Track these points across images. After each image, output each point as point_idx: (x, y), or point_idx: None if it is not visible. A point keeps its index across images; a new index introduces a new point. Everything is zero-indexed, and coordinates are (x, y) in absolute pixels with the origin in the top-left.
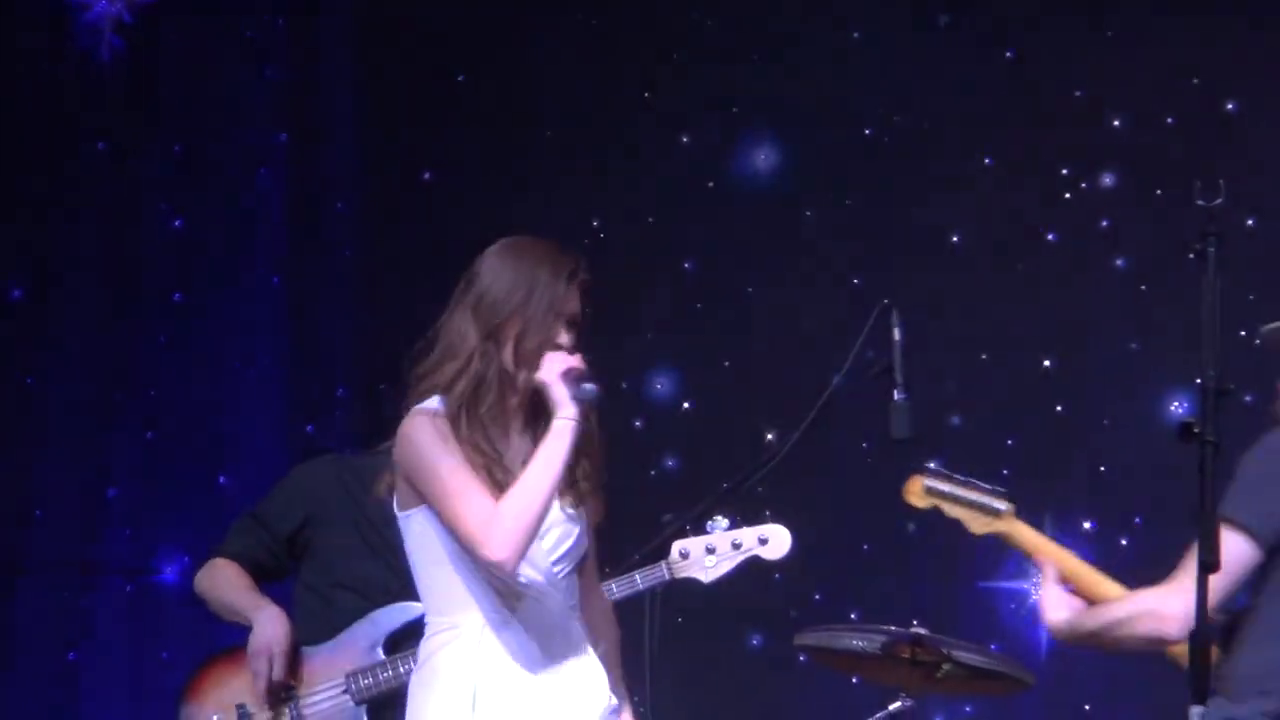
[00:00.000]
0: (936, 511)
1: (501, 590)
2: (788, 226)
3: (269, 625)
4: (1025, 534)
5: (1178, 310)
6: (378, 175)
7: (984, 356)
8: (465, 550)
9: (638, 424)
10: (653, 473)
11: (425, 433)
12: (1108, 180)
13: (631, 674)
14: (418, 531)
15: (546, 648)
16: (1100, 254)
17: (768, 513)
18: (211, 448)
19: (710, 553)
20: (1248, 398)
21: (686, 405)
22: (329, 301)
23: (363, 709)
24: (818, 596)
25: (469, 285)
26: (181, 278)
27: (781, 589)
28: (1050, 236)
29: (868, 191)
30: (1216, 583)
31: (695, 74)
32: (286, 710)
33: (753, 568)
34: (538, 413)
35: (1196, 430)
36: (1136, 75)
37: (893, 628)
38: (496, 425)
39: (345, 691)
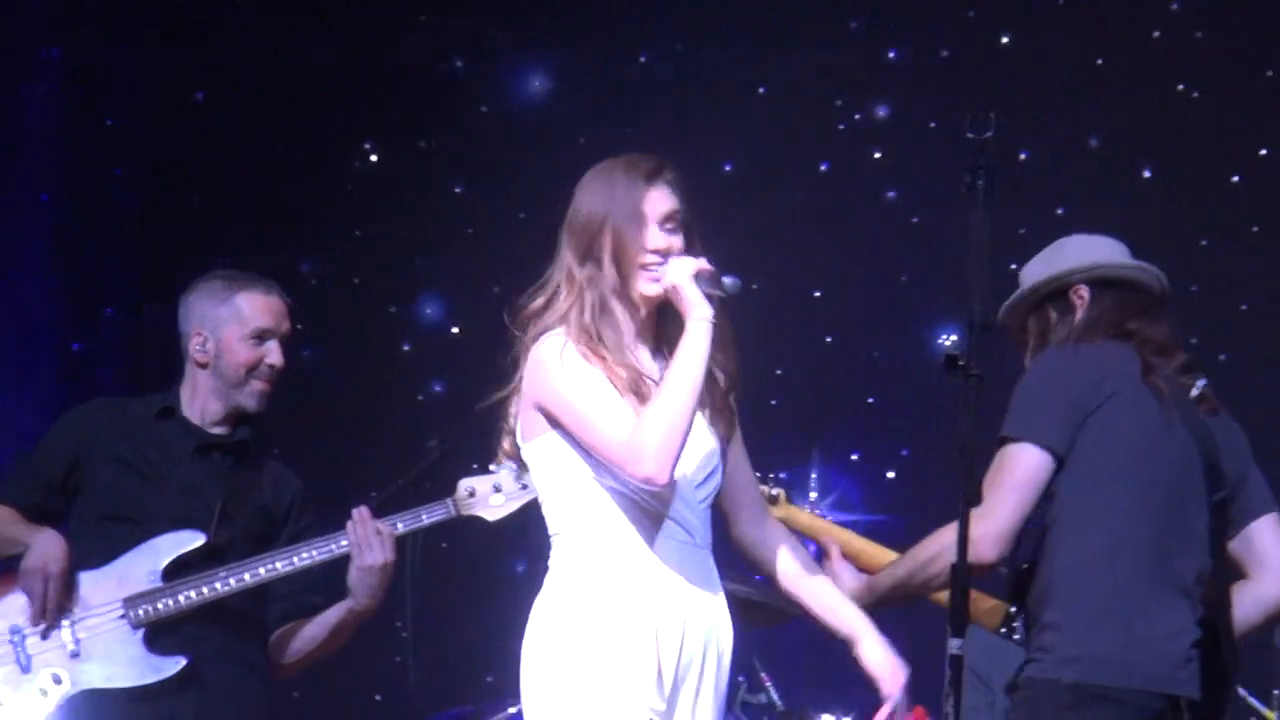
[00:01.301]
0: None
1: (638, 514)
2: (561, 153)
3: (44, 544)
4: (800, 517)
5: (948, 243)
6: (151, 94)
7: (754, 286)
8: (610, 471)
9: (406, 348)
10: (420, 397)
11: (555, 358)
12: (881, 112)
13: (393, 601)
14: (547, 456)
15: (677, 579)
16: (873, 185)
17: None
18: None
19: (497, 491)
20: None
21: (454, 330)
22: (100, 221)
23: (140, 633)
24: None
25: (567, 222)
26: None
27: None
28: (823, 166)
29: (642, 118)
30: (1013, 500)
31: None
32: (61, 632)
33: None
34: (667, 329)
35: (961, 363)
36: (912, 8)
37: None
38: (629, 346)
39: (122, 616)
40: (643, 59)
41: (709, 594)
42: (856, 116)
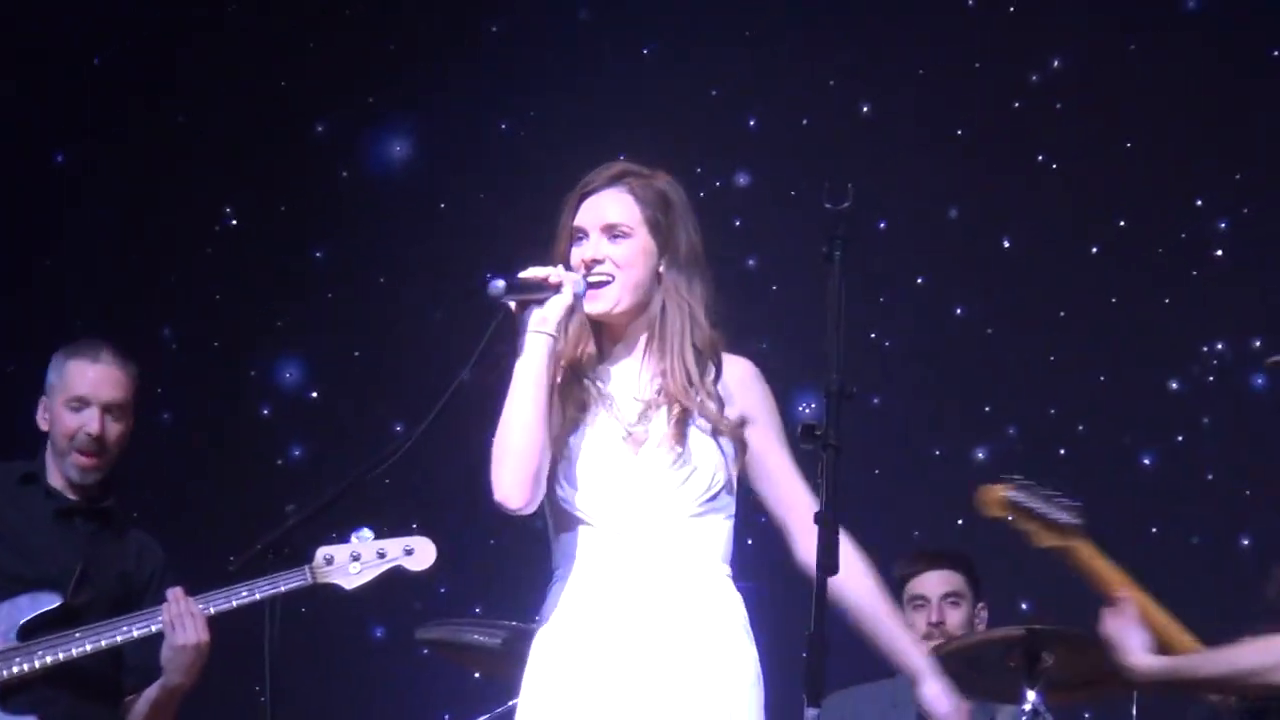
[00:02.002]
0: (1004, 521)
1: (581, 536)
2: (421, 218)
3: None
4: (1093, 558)
5: (807, 311)
6: (9, 156)
7: None
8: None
9: (265, 412)
10: (279, 461)
11: None
12: (741, 180)
13: (251, 665)
14: None
15: (621, 599)
16: (732, 253)
17: (415, 525)
18: None
19: (355, 560)
20: (874, 399)
21: (314, 394)
22: None
23: None
24: (443, 590)
25: None
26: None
27: (405, 581)
28: None
29: (502, 184)
30: None
31: (331, 63)
32: None
33: None
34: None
35: (818, 433)
36: (773, 76)
37: (515, 623)
38: (595, 361)
39: None
40: (502, 126)
41: (661, 612)
42: (716, 184)
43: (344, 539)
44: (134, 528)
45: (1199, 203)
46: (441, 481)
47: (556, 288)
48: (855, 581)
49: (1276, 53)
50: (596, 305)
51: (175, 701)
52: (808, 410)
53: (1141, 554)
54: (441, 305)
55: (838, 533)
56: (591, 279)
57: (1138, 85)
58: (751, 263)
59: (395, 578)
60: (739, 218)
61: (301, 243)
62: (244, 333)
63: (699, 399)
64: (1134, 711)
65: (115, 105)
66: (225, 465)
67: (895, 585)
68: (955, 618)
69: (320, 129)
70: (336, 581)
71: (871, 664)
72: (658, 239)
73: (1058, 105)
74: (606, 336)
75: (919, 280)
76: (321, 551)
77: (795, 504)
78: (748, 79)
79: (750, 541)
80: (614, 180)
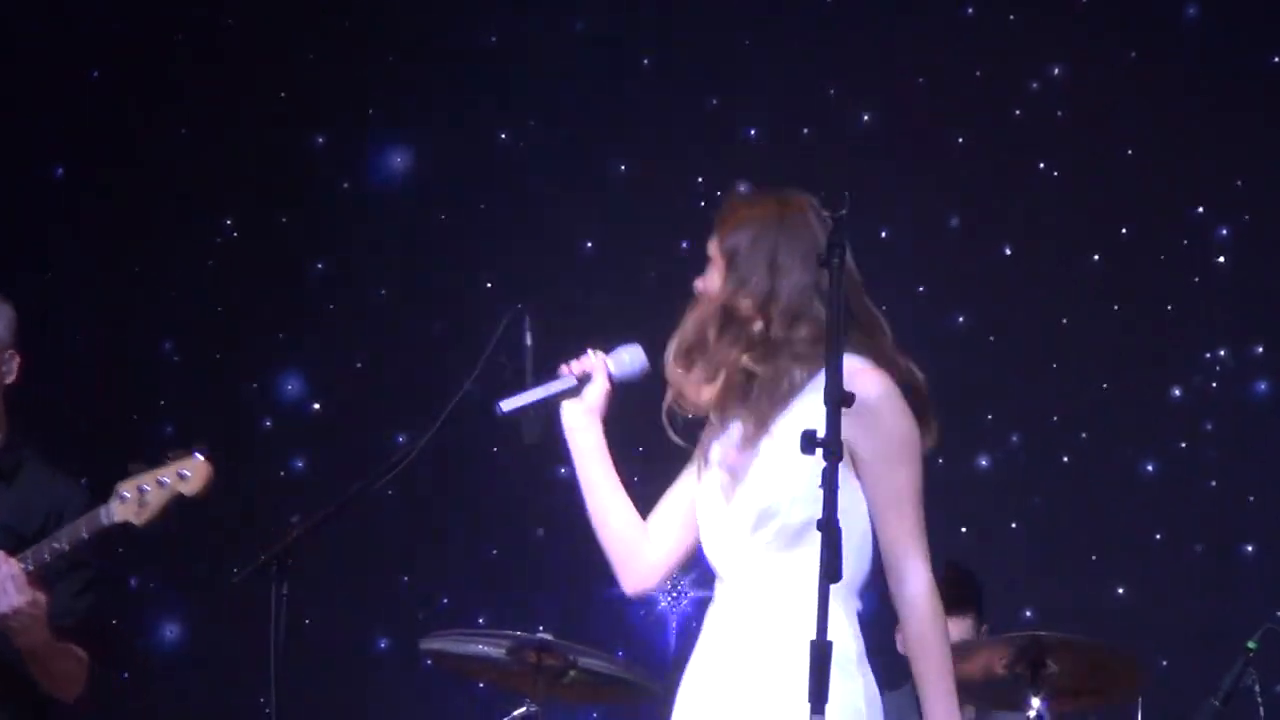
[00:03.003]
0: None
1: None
2: (421, 229)
3: None
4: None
5: None
6: (8, 170)
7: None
8: None
9: (267, 424)
10: (281, 473)
11: None
12: (742, 190)
13: (256, 675)
14: None
15: (717, 642)
16: None
17: (196, 453)
18: None
19: (143, 493)
20: None
21: (316, 406)
22: None
23: None
24: (446, 600)
25: None
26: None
27: (410, 591)
28: (684, 245)
29: (502, 195)
30: None
31: (331, 74)
32: None
33: (376, 571)
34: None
35: (820, 441)
36: (772, 85)
37: (519, 633)
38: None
39: None
40: (502, 136)
41: (726, 642)
42: (717, 194)
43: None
44: (45, 481)
45: (1200, 210)
46: (445, 493)
47: (583, 379)
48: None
49: (1276, 60)
50: None
51: (38, 659)
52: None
53: (1145, 561)
54: (443, 316)
55: (840, 540)
56: None
57: (1138, 93)
58: None
59: (394, 582)
60: None
61: (302, 255)
62: (245, 345)
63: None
64: (1139, 717)
65: (115, 118)
66: (228, 477)
67: None
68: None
69: (320, 141)
70: (128, 518)
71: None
72: None
73: (1058, 113)
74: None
75: (920, 289)
76: (119, 488)
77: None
78: (747, 89)
79: None
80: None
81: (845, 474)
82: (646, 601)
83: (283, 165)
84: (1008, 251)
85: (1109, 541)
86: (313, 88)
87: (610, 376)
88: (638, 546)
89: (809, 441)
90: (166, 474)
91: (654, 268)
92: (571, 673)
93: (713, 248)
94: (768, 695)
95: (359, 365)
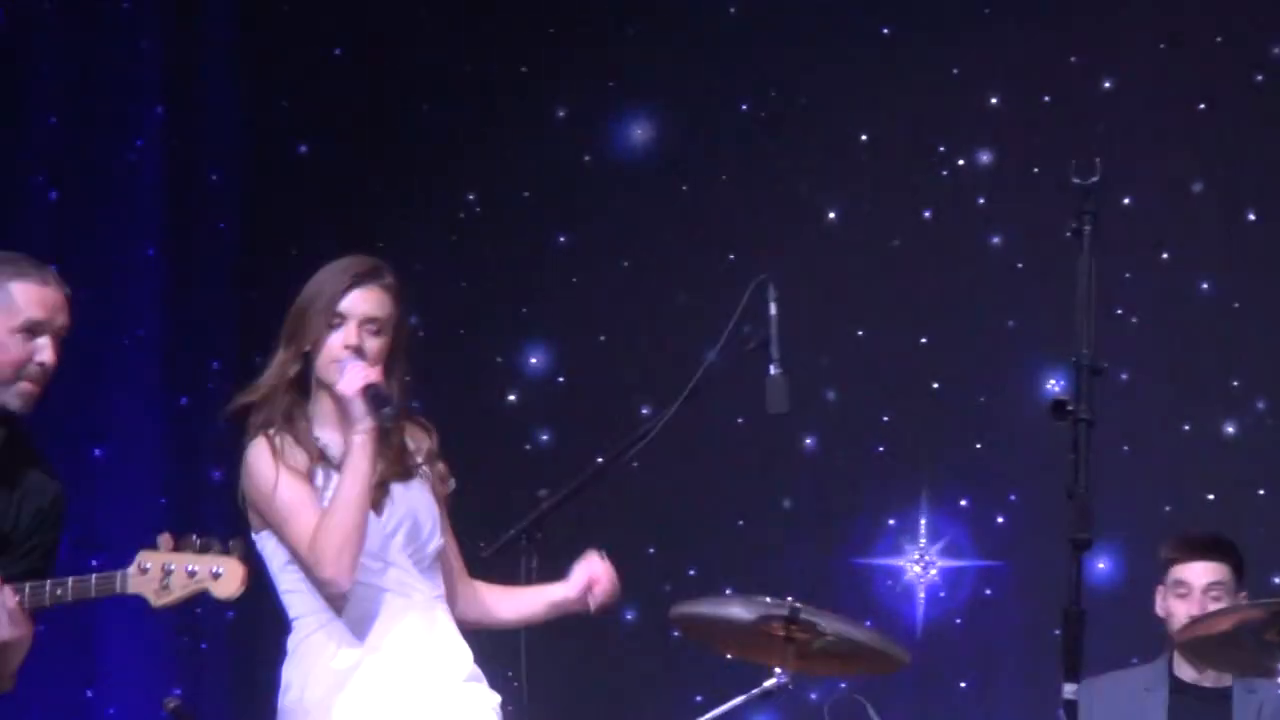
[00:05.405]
0: None
1: (359, 596)
2: (664, 201)
3: None
4: None
5: (1053, 288)
6: (253, 148)
7: (860, 333)
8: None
9: (511, 398)
10: (527, 447)
11: (256, 460)
12: (984, 158)
13: (507, 649)
14: (271, 550)
15: (403, 632)
16: (976, 232)
17: (230, 543)
18: (86, 420)
19: (167, 574)
20: (1122, 375)
21: (560, 379)
22: (204, 274)
23: None
24: (692, 571)
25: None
26: (56, 250)
27: (656, 564)
28: (926, 214)
29: (744, 166)
30: None
31: (572, 48)
32: None
33: (623, 543)
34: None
35: (1070, 408)
36: (1014, 53)
37: (768, 599)
38: (322, 428)
39: None
40: (744, 108)
41: (434, 639)
42: (959, 163)
43: (174, 548)
44: (36, 470)
45: None
46: (690, 464)
47: None
48: (490, 601)
49: None
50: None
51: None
52: (1056, 387)
53: None
54: (686, 288)
55: (1090, 506)
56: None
57: None
58: (996, 241)
59: (641, 554)
60: (982, 196)
61: (545, 228)
62: (489, 319)
63: None
64: None
65: (357, 95)
66: (473, 452)
67: (1161, 566)
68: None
69: (562, 114)
70: (144, 594)
71: (1127, 648)
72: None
73: None
74: (330, 404)
75: (1164, 255)
76: (141, 557)
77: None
78: (988, 56)
79: (1001, 520)
80: (386, 274)
81: (271, 537)
82: (892, 572)
83: (525, 139)
84: (1251, 217)
85: None
86: (554, 61)
87: None
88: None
89: (1060, 409)
90: (199, 565)
91: (897, 236)
92: (821, 641)
93: (379, 316)
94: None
95: (602, 338)
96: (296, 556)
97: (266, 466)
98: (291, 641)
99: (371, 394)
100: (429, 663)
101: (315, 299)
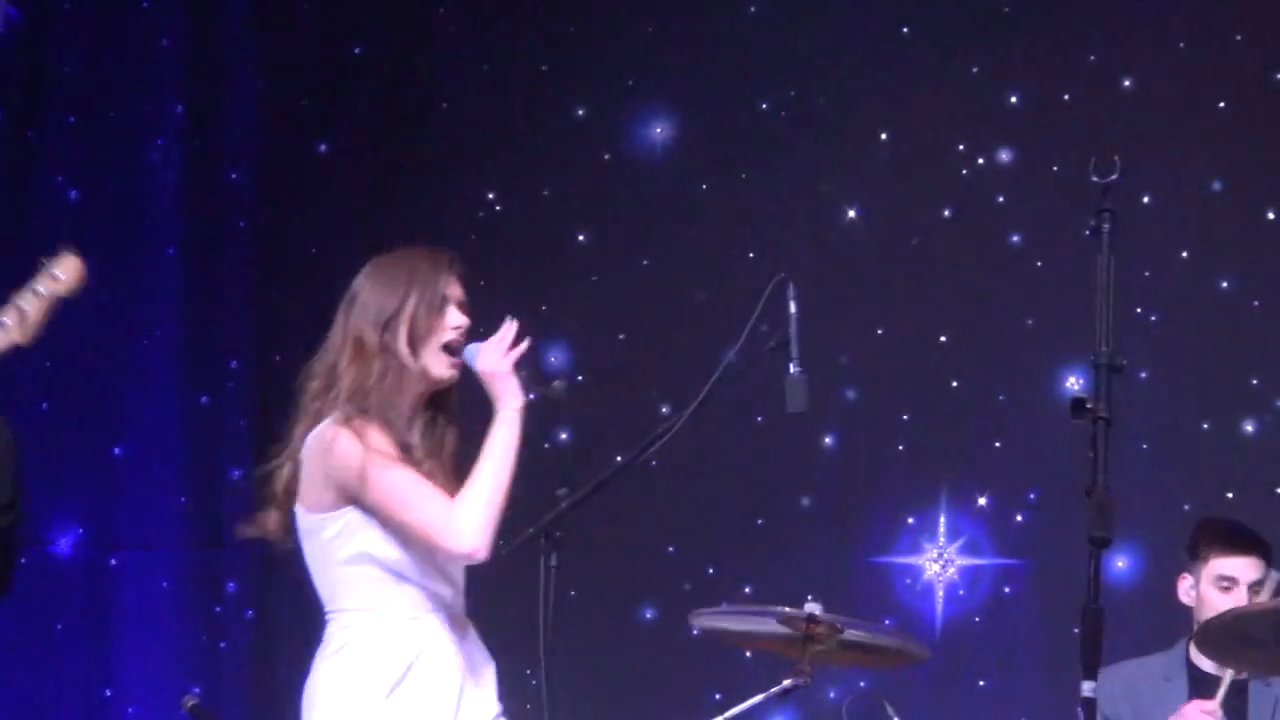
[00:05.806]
0: None
1: (423, 593)
2: (684, 200)
3: None
4: None
5: (1072, 286)
6: (273, 147)
7: (879, 331)
8: (426, 547)
9: (530, 396)
10: (546, 445)
11: (354, 444)
12: (1004, 157)
13: (526, 648)
14: (339, 531)
15: (460, 644)
16: (996, 230)
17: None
18: (106, 418)
19: (21, 311)
20: (1141, 374)
21: (580, 378)
22: (224, 272)
23: None
24: (711, 570)
25: (351, 302)
26: (76, 250)
27: (676, 563)
28: (946, 212)
29: (764, 165)
30: None
31: (592, 47)
32: None
33: (643, 541)
34: (434, 402)
35: (1089, 406)
36: (1033, 52)
37: (786, 609)
38: (410, 420)
39: None
40: (763, 106)
41: (482, 657)
42: (979, 161)
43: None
44: None
45: None
46: (710, 463)
47: None
48: None
49: None
50: (449, 372)
51: None
52: (1075, 385)
53: None
54: (705, 287)
55: (1109, 505)
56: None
57: None
58: (1016, 239)
59: (660, 553)
60: (1002, 195)
61: (564, 226)
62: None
63: None
64: None
65: (377, 94)
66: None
67: (1195, 555)
68: None
69: (581, 113)
70: (14, 340)
71: (1146, 646)
72: None
73: None
74: (415, 397)
75: (1183, 254)
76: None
77: None
78: (1008, 55)
79: (1020, 518)
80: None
81: (348, 518)
82: (910, 570)
83: (544, 138)
84: (1270, 215)
85: None
86: (573, 60)
87: None
88: None
89: (1079, 406)
90: (40, 283)
91: (917, 235)
92: (839, 640)
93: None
94: None
95: (622, 336)
96: (424, 532)
97: (365, 445)
98: (340, 636)
99: (525, 369)
100: (472, 673)
101: (413, 285)
